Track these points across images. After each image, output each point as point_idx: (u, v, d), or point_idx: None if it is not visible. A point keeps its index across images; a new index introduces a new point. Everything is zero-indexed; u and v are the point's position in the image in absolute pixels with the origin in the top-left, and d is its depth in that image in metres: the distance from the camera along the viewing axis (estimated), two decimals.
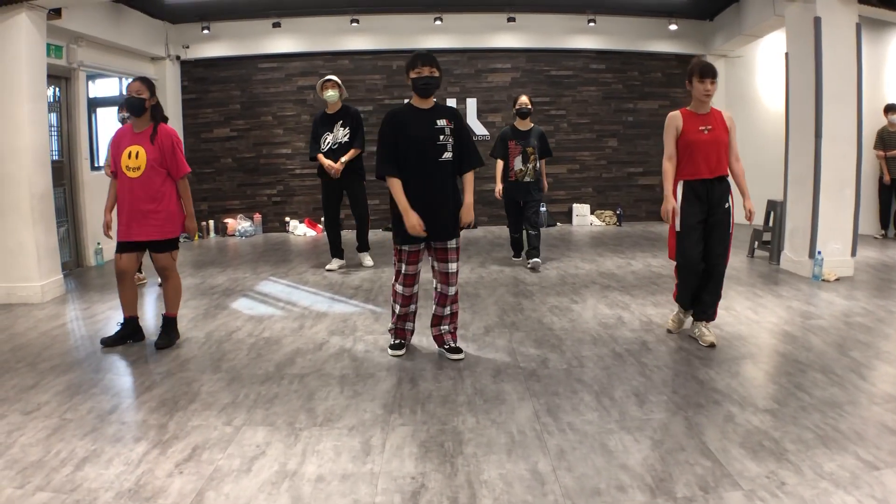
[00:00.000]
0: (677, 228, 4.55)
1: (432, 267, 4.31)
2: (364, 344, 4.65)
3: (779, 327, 4.97)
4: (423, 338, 4.69)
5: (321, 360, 4.30)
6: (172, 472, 2.82)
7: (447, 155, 4.15)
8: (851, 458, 2.86)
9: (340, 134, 7.05)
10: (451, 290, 4.29)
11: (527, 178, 7.22)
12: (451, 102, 10.80)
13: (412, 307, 4.42)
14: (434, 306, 4.37)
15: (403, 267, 4.23)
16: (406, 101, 4.42)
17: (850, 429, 3.16)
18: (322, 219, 9.89)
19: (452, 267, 4.23)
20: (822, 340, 4.59)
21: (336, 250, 7.51)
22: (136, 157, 4.46)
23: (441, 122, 4.16)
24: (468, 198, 4.23)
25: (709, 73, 4.38)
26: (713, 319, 4.67)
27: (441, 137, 4.14)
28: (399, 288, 4.30)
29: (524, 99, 7.24)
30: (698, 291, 4.61)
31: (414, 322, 4.53)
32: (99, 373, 4.14)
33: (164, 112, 4.68)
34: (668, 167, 4.52)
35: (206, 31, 9.93)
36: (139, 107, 4.48)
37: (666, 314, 5.22)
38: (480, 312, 5.43)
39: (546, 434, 3.16)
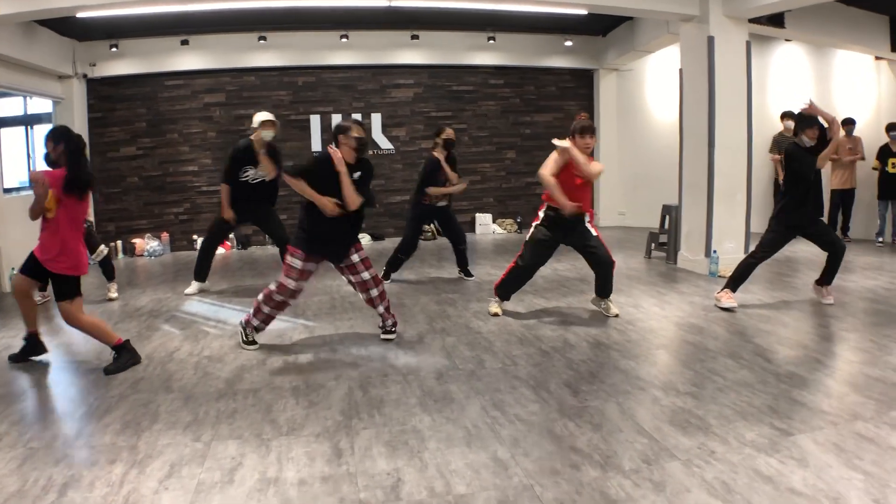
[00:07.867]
0: (528, 238, 5.62)
1: (350, 282, 5.09)
2: (306, 357, 4.85)
3: (685, 320, 5.54)
4: (362, 349, 4.96)
5: (268, 375, 4.47)
6: (158, 489, 2.96)
7: None
8: (768, 428, 3.36)
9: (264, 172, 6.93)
10: (375, 293, 5.07)
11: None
12: (357, 118, 11.06)
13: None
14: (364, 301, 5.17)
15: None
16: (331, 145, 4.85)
17: (764, 404, 3.69)
18: (231, 235, 9.93)
19: (366, 276, 5.00)
20: (726, 330, 5.18)
21: (202, 274, 7.30)
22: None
23: (356, 175, 4.82)
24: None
25: (588, 130, 5.26)
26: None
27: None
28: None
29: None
30: (605, 277, 5.61)
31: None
32: (51, 400, 4.18)
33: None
34: (553, 180, 5.32)
35: (114, 49, 9.76)
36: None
37: (579, 312, 5.77)
38: (410, 321, 5.74)
39: (497, 426, 3.50)
